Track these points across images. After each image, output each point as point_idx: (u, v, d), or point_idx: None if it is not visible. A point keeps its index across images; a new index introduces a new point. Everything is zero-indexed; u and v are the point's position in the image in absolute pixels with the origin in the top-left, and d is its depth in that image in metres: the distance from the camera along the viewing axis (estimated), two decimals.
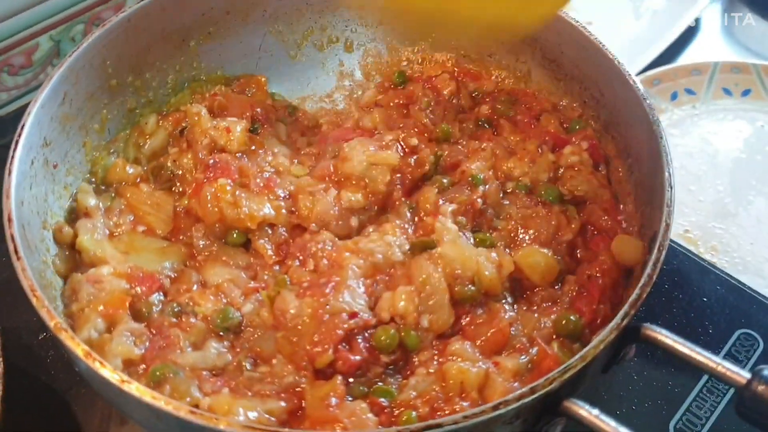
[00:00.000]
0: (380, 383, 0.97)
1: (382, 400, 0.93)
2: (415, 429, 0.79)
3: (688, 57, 1.94)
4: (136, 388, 0.82)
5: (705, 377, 1.25)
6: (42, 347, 1.29)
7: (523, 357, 0.97)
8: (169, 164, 1.22)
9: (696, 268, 1.41)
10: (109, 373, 0.84)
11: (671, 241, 1.43)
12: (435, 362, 0.97)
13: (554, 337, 1.01)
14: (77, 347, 0.86)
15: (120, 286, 1.04)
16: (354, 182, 1.15)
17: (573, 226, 1.12)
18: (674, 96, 1.84)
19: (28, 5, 1.55)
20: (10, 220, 0.97)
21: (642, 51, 1.88)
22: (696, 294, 1.37)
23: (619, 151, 1.19)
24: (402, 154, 1.20)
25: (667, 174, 1.01)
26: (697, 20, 2.00)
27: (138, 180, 1.21)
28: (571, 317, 1.01)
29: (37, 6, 1.56)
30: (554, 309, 1.04)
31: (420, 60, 1.42)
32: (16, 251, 0.94)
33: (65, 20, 1.62)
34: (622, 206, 1.15)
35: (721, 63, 1.85)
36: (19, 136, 1.05)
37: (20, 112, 1.06)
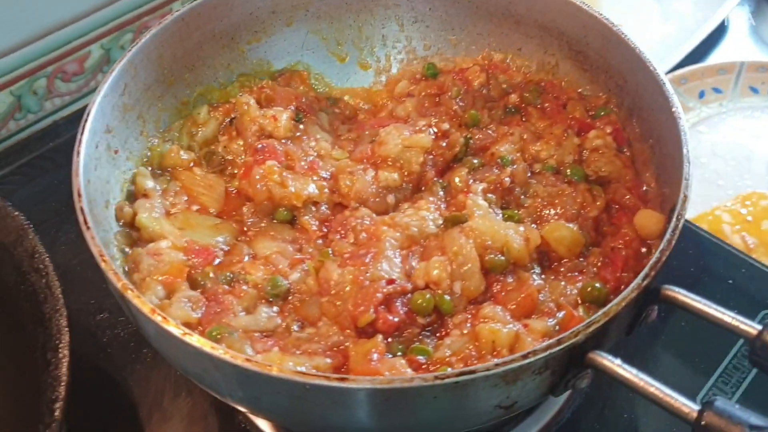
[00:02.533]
0: (417, 344, 1.04)
1: (419, 357, 0.99)
2: (450, 374, 0.85)
3: (716, 58, 2.00)
4: (197, 340, 0.89)
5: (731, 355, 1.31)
6: (99, 327, 1.38)
7: (551, 320, 1.03)
8: (220, 150, 1.30)
9: (721, 253, 1.46)
10: (173, 327, 0.91)
11: (697, 227, 1.50)
12: (468, 325, 1.03)
13: (580, 302, 1.07)
14: (144, 305, 0.92)
15: (178, 258, 1.11)
16: (390, 163, 1.23)
17: (598, 203, 1.18)
18: (702, 94, 1.89)
19: (80, 16, 1.65)
20: (79, 194, 1.04)
21: (670, 51, 1.93)
22: (722, 277, 1.43)
23: (642, 133, 1.24)
24: (434, 137, 1.27)
25: (685, 151, 1.06)
26: (724, 22, 2.05)
27: (191, 164, 1.28)
28: (597, 284, 1.07)
29: (89, 16, 1.67)
30: (580, 278, 1.09)
31: (452, 55, 1.48)
32: (85, 222, 1.01)
33: (115, 29, 1.72)
34: (645, 185, 1.21)
35: (748, 63, 1.90)
36: (86, 121, 1.12)
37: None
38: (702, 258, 1.45)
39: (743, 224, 1.64)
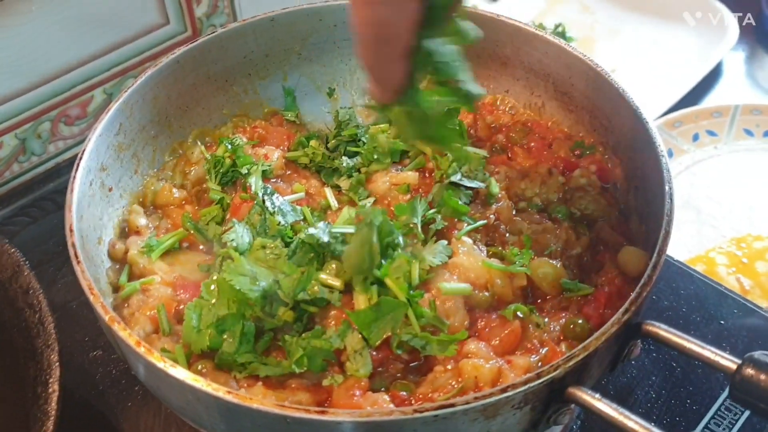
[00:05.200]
0: (401, 381, 1.04)
1: (402, 393, 1.00)
2: (430, 408, 0.86)
3: (710, 101, 2.03)
4: (180, 372, 0.90)
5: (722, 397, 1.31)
6: (92, 364, 1.39)
7: (533, 356, 1.04)
8: None
9: (713, 293, 1.47)
10: (156, 359, 0.92)
11: (690, 268, 1.50)
12: (452, 361, 1.03)
13: (563, 339, 1.07)
14: (129, 337, 0.94)
15: (167, 293, 1.13)
16: (378, 200, 1.25)
17: (582, 241, 1.19)
18: (696, 137, 1.91)
19: (83, 61, 1.68)
20: (71, 230, 1.06)
21: (664, 95, 1.96)
22: (713, 317, 1.43)
23: (627, 172, 1.26)
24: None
25: (667, 188, 1.07)
26: (719, 66, 2.09)
27: (183, 203, 1.30)
28: (579, 321, 1.07)
29: (92, 62, 1.70)
30: (563, 315, 1.10)
31: None
32: (76, 256, 1.03)
33: (117, 75, 1.75)
34: (629, 223, 1.22)
35: (742, 105, 1.93)
36: (80, 159, 1.15)
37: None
38: (694, 299, 1.46)
39: (738, 266, 1.65)
